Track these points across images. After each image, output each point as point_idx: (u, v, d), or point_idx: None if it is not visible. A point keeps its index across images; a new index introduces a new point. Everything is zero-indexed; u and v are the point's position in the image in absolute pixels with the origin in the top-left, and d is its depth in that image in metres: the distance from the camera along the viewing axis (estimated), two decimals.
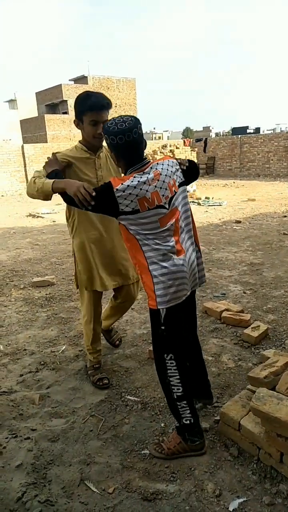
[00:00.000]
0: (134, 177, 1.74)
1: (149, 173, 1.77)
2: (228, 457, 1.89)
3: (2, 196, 15.04)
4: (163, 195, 1.77)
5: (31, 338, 3.27)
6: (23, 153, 15.70)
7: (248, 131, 23.63)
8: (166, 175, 1.80)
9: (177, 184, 1.85)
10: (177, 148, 18.18)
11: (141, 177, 1.75)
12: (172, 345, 1.85)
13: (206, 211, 9.16)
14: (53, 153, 2.22)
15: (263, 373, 2.09)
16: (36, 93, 29.15)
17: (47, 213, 9.91)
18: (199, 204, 10.22)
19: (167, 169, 1.83)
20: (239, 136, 19.14)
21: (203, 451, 1.92)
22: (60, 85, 25.56)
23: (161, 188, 1.77)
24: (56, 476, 1.81)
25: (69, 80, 28.46)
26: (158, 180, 1.77)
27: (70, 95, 25.48)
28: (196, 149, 19.49)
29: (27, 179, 15.86)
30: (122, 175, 1.87)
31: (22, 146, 15.93)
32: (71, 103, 25.39)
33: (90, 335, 2.58)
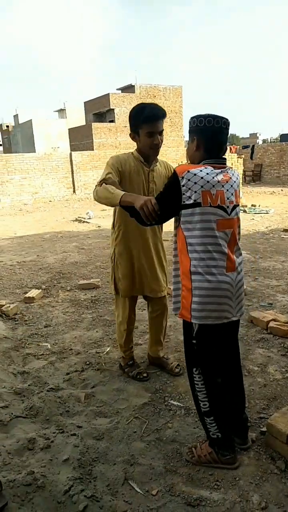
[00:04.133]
0: (206, 167, 1.67)
1: (221, 171, 1.71)
2: (274, 470, 1.84)
3: (50, 201, 15.63)
4: (227, 198, 1.69)
5: (77, 339, 3.36)
6: (71, 161, 16.25)
7: None
8: (235, 181, 1.75)
9: (238, 195, 1.80)
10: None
11: (212, 170, 1.68)
12: (202, 360, 1.79)
13: (252, 219, 8.98)
14: (112, 156, 2.30)
15: None
16: (84, 102, 30.10)
17: (93, 218, 10.17)
18: (245, 211, 10.03)
19: (237, 178, 1.78)
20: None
21: (235, 466, 1.85)
22: (108, 94, 26.22)
23: (227, 190, 1.70)
24: (101, 473, 1.85)
25: (117, 89, 29.14)
26: (227, 182, 1.70)
27: (117, 104, 26.07)
28: (243, 156, 19.15)
29: (74, 186, 16.39)
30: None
31: (70, 154, 16.50)
32: (117, 111, 25.97)
33: (123, 334, 2.66)
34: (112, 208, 2.43)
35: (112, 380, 2.70)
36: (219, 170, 1.70)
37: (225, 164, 1.76)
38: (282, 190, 15.14)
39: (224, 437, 1.85)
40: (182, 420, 2.24)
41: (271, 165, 18.71)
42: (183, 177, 1.64)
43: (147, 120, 2.12)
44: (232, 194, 1.71)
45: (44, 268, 5.62)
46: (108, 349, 3.14)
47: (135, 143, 2.33)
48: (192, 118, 1.74)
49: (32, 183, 15.44)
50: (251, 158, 19.43)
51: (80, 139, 26.33)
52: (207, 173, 1.65)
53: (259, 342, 3.11)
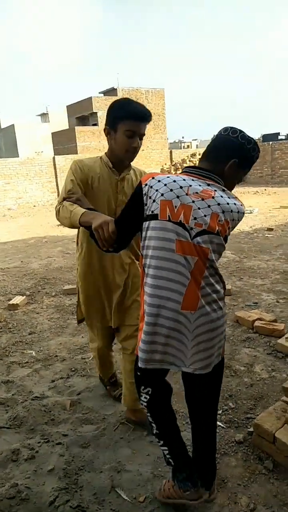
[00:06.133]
0: (178, 175, 1.38)
1: (199, 185, 1.36)
2: (262, 470, 1.83)
3: (34, 206, 15.49)
4: (194, 218, 1.31)
5: (62, 345, 3.31)
6: (54, 165, 16.14)
7: (279, 137, 23.21)
8: (219, 204, 1.34)
9: (226, 228, 1.37)
10: None
11: (183, 180, 1.36)
12: (149, 378, 1.51)
13: None
14: (74, 161, 1.92)
15: None
16: (67, 106, 29.98)
17: None
18: None
19: (228, 203, 1.37)
20: (270, 142, 18.84)
21: (199, 501, 1.60)
22: (90, 97, 26.17)
23: (198, 209, 1.32)
24: (87, 482, 1.81)
25: (99, 92, 29.12)
26: (202, 200, 1.33)
27: (100, 107, 26.04)
28: None
29: (58, 190, 16.27)
30: None
31: (54, 158, 16.39)
32: (100, 115, 25.93)
33: (97, 362, 2.46)
34: None
35: (98, 386, 2.65)
36: (200, 183, 1.37)
37: (218, 182, 1.41)
38: (265, 189, 15.31)
39: (177, 465, 1.59)
40: None
41: (254, 165, 18.92)
42: (146, 184, 1.36)
43: (132, 116, 1.73)
44: (205, 215, 1.31)
45: (28, 274, 5.55)
46: None
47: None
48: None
49: (16, 188, 15.29)
50: None
51: (63, 143, 26.21)
52: (174, 181, 1.34)
53: (245, 341, 3.12)
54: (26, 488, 1.75)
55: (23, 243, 8.03)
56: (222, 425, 2.16)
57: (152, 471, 1.87)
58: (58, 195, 16.31)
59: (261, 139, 21.22)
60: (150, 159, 21.88)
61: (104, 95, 28.05)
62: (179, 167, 13.86)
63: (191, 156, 14.46)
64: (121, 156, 1.85)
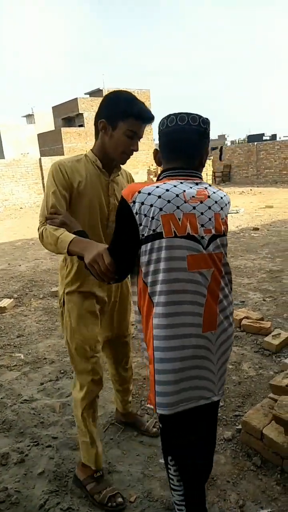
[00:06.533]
0: (165, 183, 1.20)
1: (191, 187, 1.21)
2: (251, 466, 1.86)
3: (21, 208, 15.35)
4: (202, 225, 1.18)
5: (51, 347, 3.30)
6: (40, 166, 16.03)
7: (264, 138, 23.53)
8: (217, 202, 1.23)
9: (227, 225, 1.28)
10: None
11: (175, 186, 1.18)
12: (173, 447, 1.31)
13: None
14: (54, 164, 1.60)
15: (285, 381, 2.05)
16: (52, 107, 29.83)
17: None
18: None
19: (221, 197, 1.26)
20: (255, 143, 19.07)
21: None
22: (76, 99, 26.10)
23: (202, 214, 1.18)
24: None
25: (85, 93, 29.07)
26: (201, 203, 1.19)
27: (86, 108, 25.99)
28: (212, 157, 19.49)
29: (44, 192, 16.16)
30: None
31: (40, 159, 16.27)
32: (86, 116, 25.87)
33: (91, 416, 1.77)
34: None
35: None
36: (190, 185, 1.22)
37: (198, 177, 1.28)
38: (251, 189, 15.48)
39: None
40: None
41: (239, 166, 19.11)
42: (134, 202, 1.16)
43: (139, 116, 1.51)
44: (210, 219, 1.20)
45: (15, 277, 5.50)
46: None
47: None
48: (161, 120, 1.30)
49: (2, 190, 15.12)
50: (220, 159, 19.80)
51: (49, 144, 26.05)
52: (167, 190, 1.17)
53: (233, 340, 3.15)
54: (16, 492, 1.74)
55: (10, 245, 7.96)
56: None
57: (143, 471, 1.88)
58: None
59: (247, 139, 21.44)
60: (136, 160, 21.92)
61: (90, 96, 27.99)
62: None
63: None
64: (114, 157, 1.62)
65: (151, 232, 1.14)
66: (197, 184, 1.24)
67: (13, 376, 2.85)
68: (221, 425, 2.17)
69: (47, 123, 34.43)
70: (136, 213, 1.15)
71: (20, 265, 6.17)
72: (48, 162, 16.19)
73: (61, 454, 2.00)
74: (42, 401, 2.52)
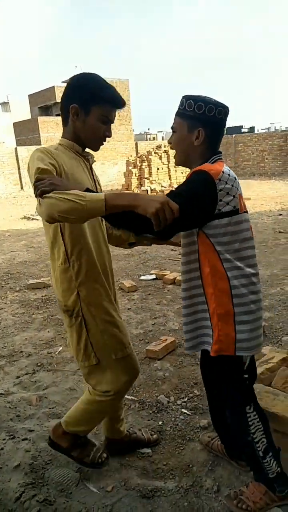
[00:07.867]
0: (225, 166, 1.41)
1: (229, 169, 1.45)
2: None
3: None
4: (244, 204, 1.46)
5: (28, 340, 3.26)
6: (16, 156, 15.69)
7: (242, 130, 23.74)
8: (236, 178, 1.44)
9: None
10: (171, 149, 18.14)
11: (229, 169, 1.42)
12: (252, 392, 1.56)
13: None
14: (36, 150, 1.45)
15: (259, 369, 2.10)
16: (29, 95, 29.07)
17: None
18: None
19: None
20: (233, 135, 19.22)
21: None
22: (53, 87, 25.51)
23: (241, 193, 1.45)
24: (54, 476, 1.81)
25: (62, 82, 28.44)
26: (237, 182, 1.44)
27: None
28: None
29: (21, 182, 15.84)
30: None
31: (16, 149, 15.91)
32: None
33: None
34: (50, 226, 1.47)
35: (65, 380, 2.65)
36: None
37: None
38: None
39: (282, 470, 1.57)
40: (136, 413, 2.25)
41: None
42: (220, 179, 1.32)
43: (112, 101, 1.48)
44: (241, 194, 1.45)
45: None
46: (60, 348, 3.08)
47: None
48: (196, 102, 1.37)
49: None
50: None
51: (26, 133, 25.44)
52: (229, 173, 1.39)
53: None
54: None
55: None
56: (187, 412, 2.21)
57: (119, 461, 1.89)
58: (21, 187, 15.86)
59: (225, 131, 21.62)
60: (115, 151, 21.71)
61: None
62: (145, 159, 13.84)
63: (156, 148, 14.48)
64: (88, 142, 1.56)
65: (231, 208, 1.35)
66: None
67: None
68: (197, 413, 2.20)
69: (23, 112, 33.57)
70: (220, 190, 1.32)
71: None
72: (25, 152, 15.85)
73: (37, 447, 1.99)
74: (19, 394, 2.49)
